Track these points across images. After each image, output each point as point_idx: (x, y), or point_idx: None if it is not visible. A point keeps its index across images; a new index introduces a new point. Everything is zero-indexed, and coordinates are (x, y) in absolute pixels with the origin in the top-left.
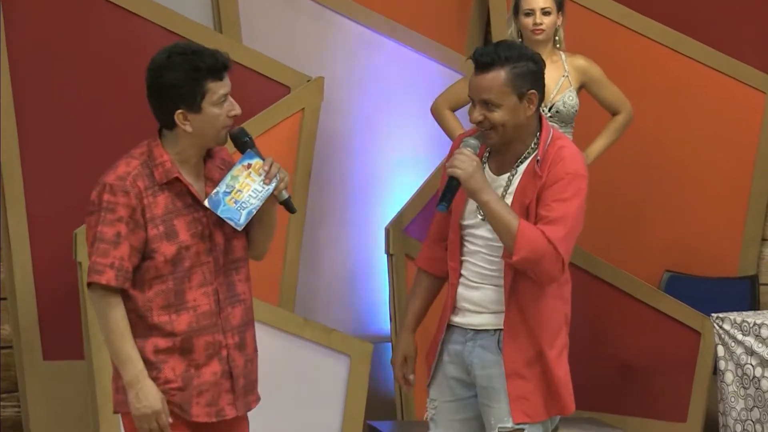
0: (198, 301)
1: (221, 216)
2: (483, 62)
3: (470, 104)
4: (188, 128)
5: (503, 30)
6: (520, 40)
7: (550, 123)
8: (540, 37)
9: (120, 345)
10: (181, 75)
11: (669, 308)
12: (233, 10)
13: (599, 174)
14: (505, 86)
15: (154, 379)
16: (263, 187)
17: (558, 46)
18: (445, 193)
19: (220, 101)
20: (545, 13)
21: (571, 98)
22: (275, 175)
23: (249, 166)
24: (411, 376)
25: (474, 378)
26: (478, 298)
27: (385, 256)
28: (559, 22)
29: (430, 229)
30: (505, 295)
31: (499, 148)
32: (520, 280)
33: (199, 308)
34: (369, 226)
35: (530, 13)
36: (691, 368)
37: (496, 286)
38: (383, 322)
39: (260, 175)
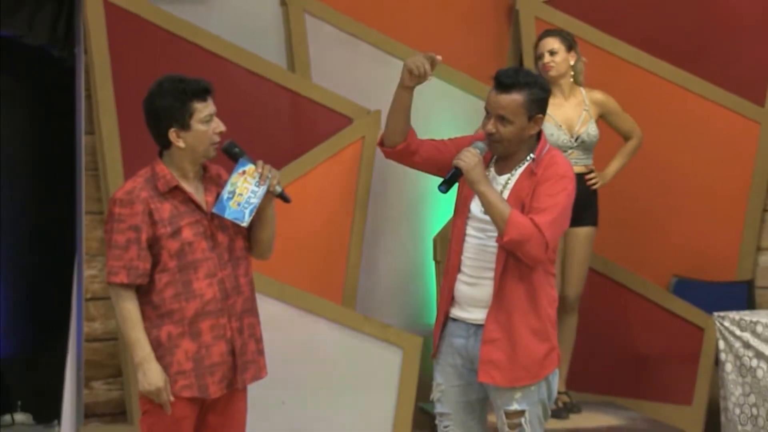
0: (203, 290)
1: (228, 218)
2: (506, 83)
3: (484, 116)
4: (181, 144)
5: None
6: None
7: (576, 150)
8: (551, 73)
9: (130, 331)
10: (171, 98)
11: (677, 307)
12: (305, 53)
13: (616, 191)
14: (521, 108)
15: (169, 363)
16: (259, 187)
17: (574, 80)
18: (448, 177)
19: (206, 120)
20: (552, 53)
21: (593, 129)
22: (267, 175)
23: (244, 172)
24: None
25: (478, 367)
26: (478, 295)
27: (433, 262)
28: (572, 61)
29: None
30: (496, 275)
31: (502, 156)
32: (510, 262)
33: (204, 296)
34: (419, 236)
35: (541, 56)
36: (696, 359)
37: (491, 279)
38: (431, 318)
39: (255, 178)
